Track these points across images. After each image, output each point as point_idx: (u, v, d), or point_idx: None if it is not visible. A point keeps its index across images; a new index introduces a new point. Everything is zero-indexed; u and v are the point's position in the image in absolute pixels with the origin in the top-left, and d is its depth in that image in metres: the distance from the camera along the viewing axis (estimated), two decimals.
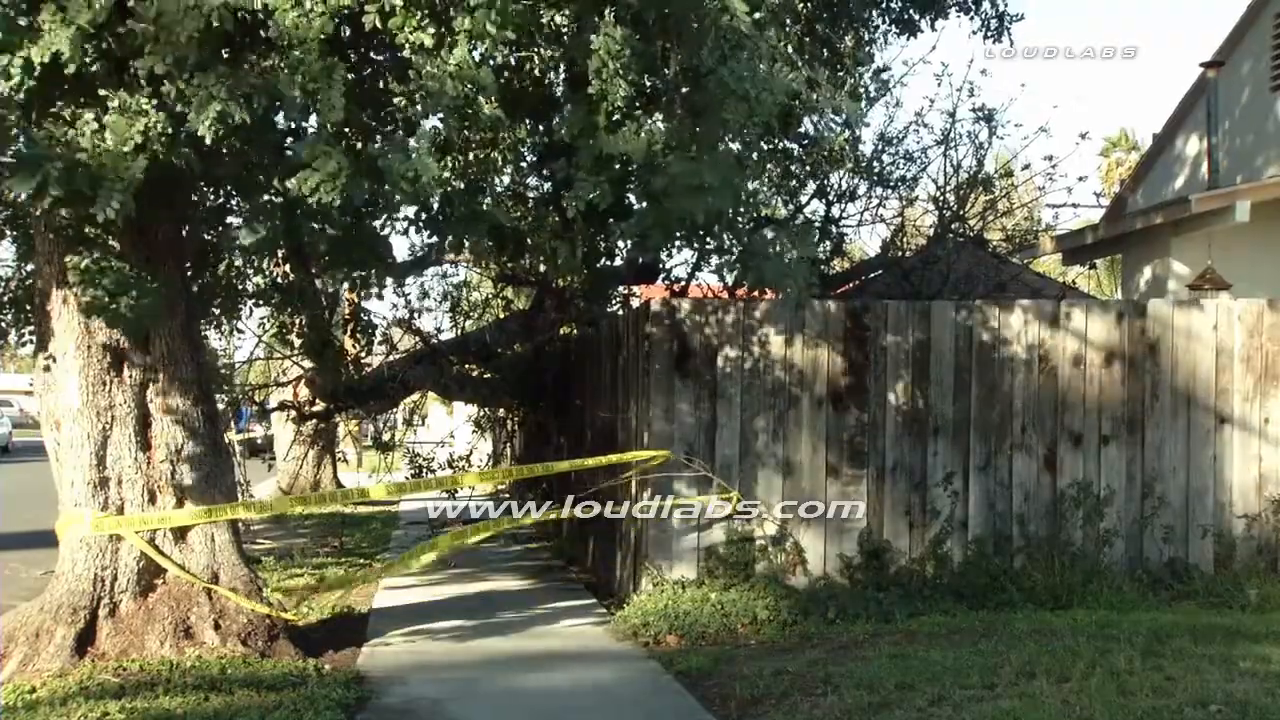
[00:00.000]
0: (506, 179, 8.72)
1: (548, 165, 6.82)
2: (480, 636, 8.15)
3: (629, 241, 6.91)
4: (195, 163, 5.92)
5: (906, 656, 6.85)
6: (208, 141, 5.61)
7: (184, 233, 7.42)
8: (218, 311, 9.12)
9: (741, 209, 6.49)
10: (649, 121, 6.01)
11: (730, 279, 8.43)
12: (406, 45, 5.65)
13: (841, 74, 8.44)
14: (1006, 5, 8.56)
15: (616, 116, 5.73)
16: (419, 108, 5.74)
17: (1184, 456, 9.07)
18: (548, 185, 8.15)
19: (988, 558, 8.80)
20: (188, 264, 7.67)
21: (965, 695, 6.03)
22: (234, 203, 7.40)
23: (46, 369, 7.22)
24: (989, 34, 8.73)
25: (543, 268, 12.03)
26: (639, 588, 8.66)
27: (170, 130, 5.66)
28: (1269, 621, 7.77)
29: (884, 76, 11.29)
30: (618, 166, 6.04)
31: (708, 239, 7.08)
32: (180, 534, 7.26)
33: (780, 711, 6.05)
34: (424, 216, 6.59)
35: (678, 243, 7.73)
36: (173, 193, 6.76)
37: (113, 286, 6.18)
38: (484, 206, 6.92)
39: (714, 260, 8.11)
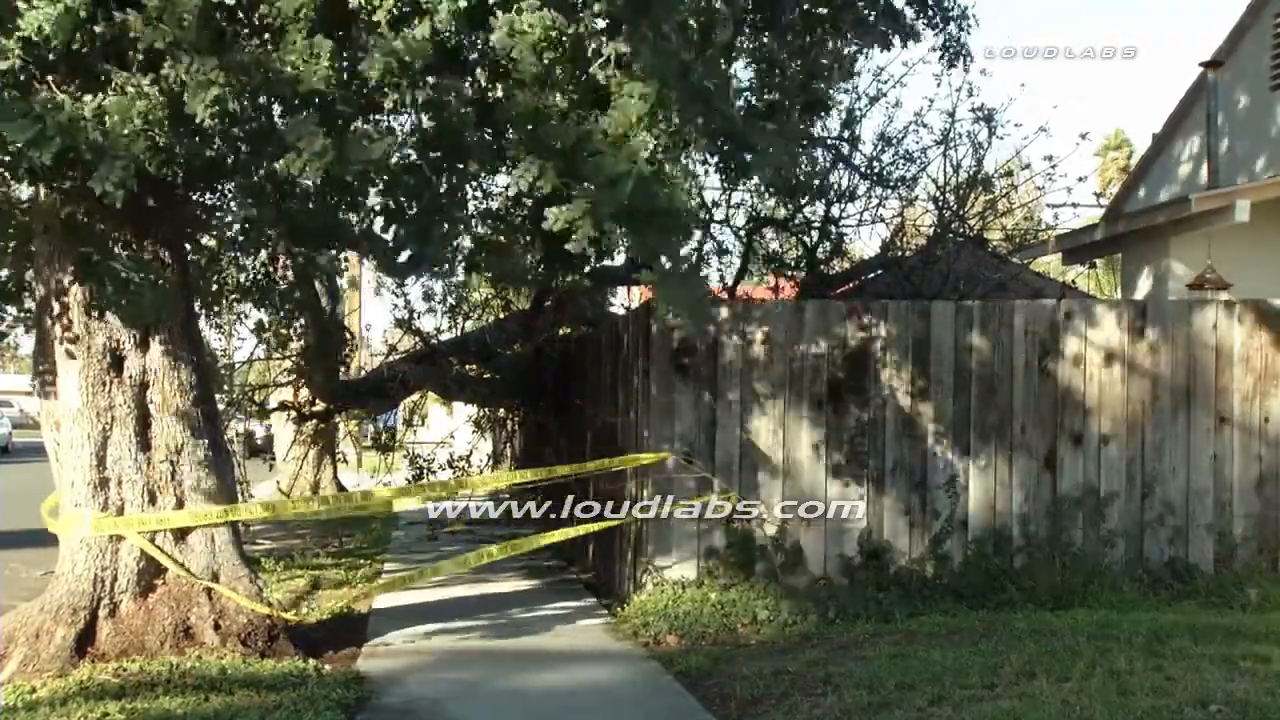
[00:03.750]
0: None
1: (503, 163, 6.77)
2: (480, 637, 8.15)
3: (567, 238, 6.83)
4: (194, 147, 5.90)
5: (906, 656, 6.85)
6: (205, 125, 5.60)
7: (185, 231, 7.43)
8: (207, 301, 9.15)
9: (664, 216, 6.45)
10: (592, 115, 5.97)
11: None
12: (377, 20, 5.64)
13: (827, 83, 8.50)
14: (968, 35, 8.82)
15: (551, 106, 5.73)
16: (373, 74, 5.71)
17: (1184, 456, 9.07)
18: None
19: (988, 558, 8.80)
20: (187, 263, 7.67)
21: (965, 695, 6.03)
22: (227, 195, 7.40)
23: (47, 369, 7.22)
24: (945, 55, 8.97)
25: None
26: (639, 588, 8.66)
27: (169, 113, 5.65)
28: (1269, 621, 7.77)
29: (858, 99, 11.44)
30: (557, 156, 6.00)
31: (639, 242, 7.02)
32: (180, 534, 7.25)
33: (780, 711, 6.05)
34: (391, 207, 6.59)
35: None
36: (172, 189, 6.77)
37: (118, 280, 6.19)
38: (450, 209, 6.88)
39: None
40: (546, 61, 5.64)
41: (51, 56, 5.76)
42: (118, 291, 6.37)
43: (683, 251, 9.51)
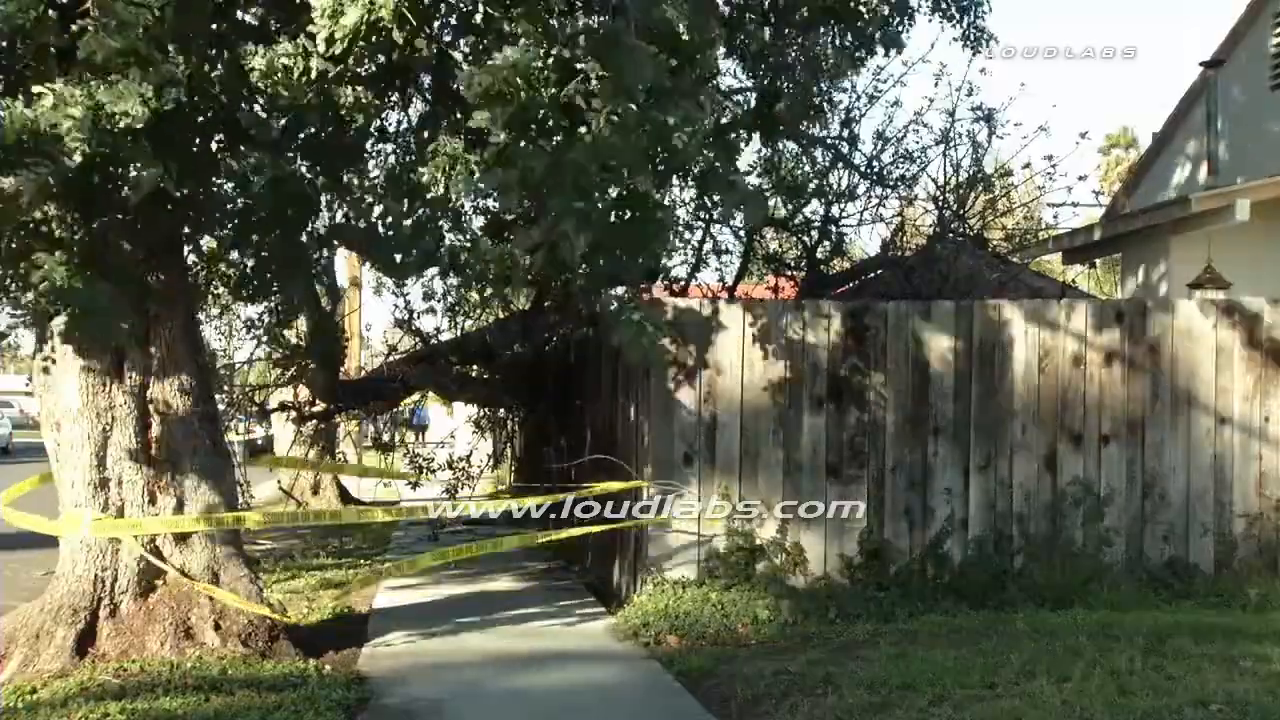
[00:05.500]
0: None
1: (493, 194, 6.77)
2: (481, 637, 8.14)
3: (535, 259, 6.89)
4: (144, 151, 5.85)
5: (907, 656, 6.85)
6: (136, 124, 5.53)
7: (184, 232, 7.42)
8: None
9: (634, 241, 6.51)
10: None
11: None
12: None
13: (820, 88, 8.55)
14: (985, 19, 8.95)
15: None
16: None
17: (1184, 456, 9.07)
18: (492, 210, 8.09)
19: (988, 557, 8.81)
20: (186, 265, 7.67)
21: (966, 695, 6.04)
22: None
23: (46, 370, 7.22)
24: (968, 44, 9.11)
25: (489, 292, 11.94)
26: (639, 588, 8.66)
27: (103, 123, 5.61)
28: (1269, 621, 7.77)
29: (857, 99, 11.49)
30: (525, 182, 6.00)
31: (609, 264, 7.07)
32: (180, 535, 7.25)
33: (781, 711, 6.05)
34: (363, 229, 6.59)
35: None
36: (171, 195, 6.75)
37: (60, 296, 6.10)
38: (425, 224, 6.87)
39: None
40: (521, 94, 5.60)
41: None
42: (49, 304, 6.30)
43: (672, 263, 9.58)
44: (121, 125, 5.47)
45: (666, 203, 6.82)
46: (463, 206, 7.56)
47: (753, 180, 10.45)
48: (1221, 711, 5.61)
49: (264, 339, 11.94)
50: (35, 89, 5.62)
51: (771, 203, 11.92)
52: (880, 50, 8.64)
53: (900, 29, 8.46)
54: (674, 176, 7.03)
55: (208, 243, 8.18)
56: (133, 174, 6.02)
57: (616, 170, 5.86)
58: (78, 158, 5.51)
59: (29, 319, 7.36)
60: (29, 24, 5.46)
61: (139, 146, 5.71)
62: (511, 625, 8.53)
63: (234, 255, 8.40)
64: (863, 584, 8.62)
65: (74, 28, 5.64)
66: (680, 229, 10.73)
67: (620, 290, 13.70)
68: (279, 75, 5.48)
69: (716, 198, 7.16)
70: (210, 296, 9.39)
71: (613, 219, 6.10)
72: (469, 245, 7.09)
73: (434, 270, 12.72)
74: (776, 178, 10.80)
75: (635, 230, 6.29)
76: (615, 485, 8.81)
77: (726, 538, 8.66)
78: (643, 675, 7.11)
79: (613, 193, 5.97)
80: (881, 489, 8.84)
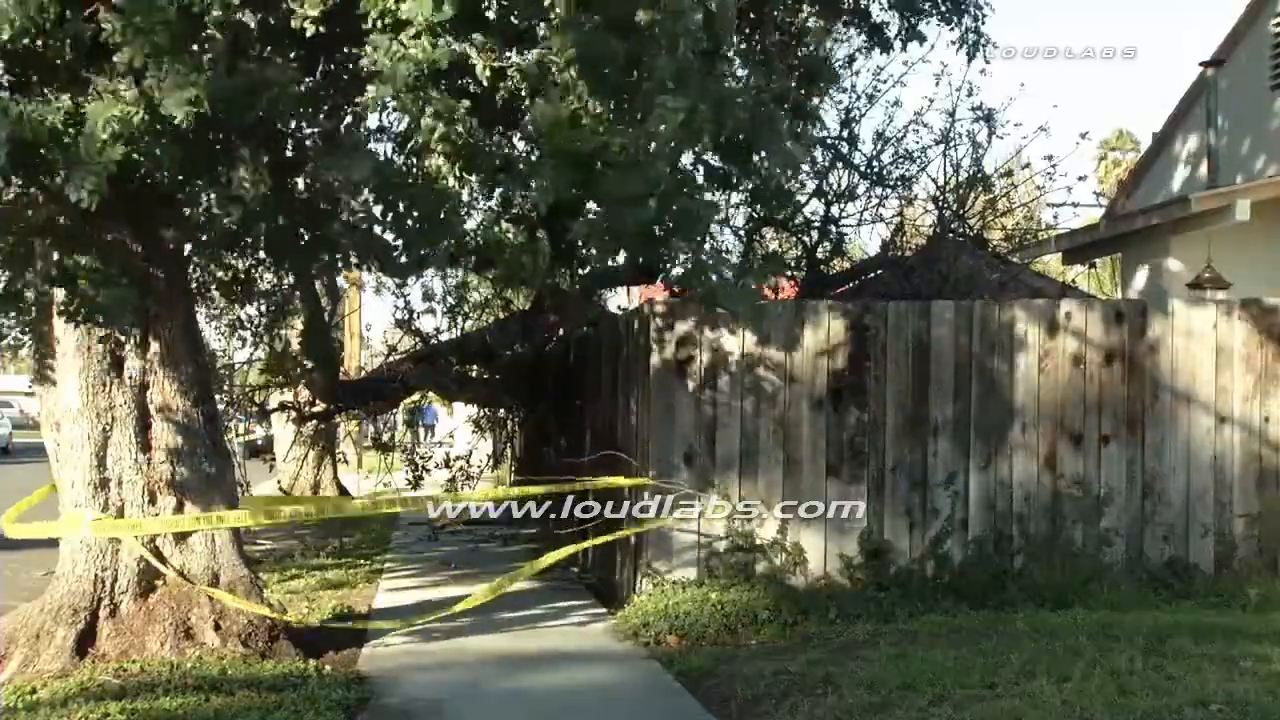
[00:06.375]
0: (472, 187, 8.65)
1: (513, 170, 6.74)
2: (480, 637, 8.14)
3: (585, 248, 6.86)
4: (176, 151, 5.84)
5: (907, 656, 6.85)
6: (181, 125, 5.47)
7: (182, 231, 7.40)
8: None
9: (687, 225, 6.49)
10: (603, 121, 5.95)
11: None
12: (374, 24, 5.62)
13: (813, 92, 8.53)
14: (984, 24, 8.89)
15: (579, 113, 5.70)
16: (373, 91, 5.66)
17: (1184, 456, 9.06)
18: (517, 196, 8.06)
19: (988, 557, 8.81)
20: (185, 263, 7.66)
21: (966, 695, 6.04)
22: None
23: (47, 370, 7.22)
24: (965, 48, 9.04)
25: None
26: (639, 588, 8.66)
27: (148, 118, 5.59)
28: (1269, 621, 7.76)
29: (857, 99, 11.50)
30: (575, 166, 6.00)
31: (660, 250, 7.00)
32: (180, 535, 7.26)
33: (781, 712, 6.05)
34: (388, 217, 6.58)
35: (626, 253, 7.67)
36: (175, 192, 6.75)
37: (90, 289, 6.09)
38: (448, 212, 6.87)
39: (668, 271, 7.92)
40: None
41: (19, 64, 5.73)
42: (84, 299, 6.30)
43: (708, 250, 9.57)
44: (181, 124, 5.45)
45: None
46: (477, 201, 7.55)
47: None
48: (1221, 711, 5.61)
49: (259, 340, 11.94)
50: (88, 78, 5.62)
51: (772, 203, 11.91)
52: (878, 50, 8.61)
53: (909, 34, 8.48)
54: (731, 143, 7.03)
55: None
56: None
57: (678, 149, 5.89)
58: (117, 155, 5.47)
59: (29, 326, 7.37)
60: (49, 24, 5.44)
61: (180, 150, 5.72)
62: (511, 625, 8.53)
63: (234, 258, 8.41)
64: (863, 584, 8.61)
65: (94, 22, 5.62)
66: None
67: (619, 289, 13.61)
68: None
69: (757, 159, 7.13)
70: (210, 297, 9.41)
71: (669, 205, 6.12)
72: (501, 239, 7.10)
73: (434, 271, 12.73)
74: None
75: (683, 217, 6.33)
76: (616, 481, 8.80)
77: (726, 538, 8.66)
78: (643, 675, 7.12)
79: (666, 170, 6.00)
80: (881, 489, 8.84)
